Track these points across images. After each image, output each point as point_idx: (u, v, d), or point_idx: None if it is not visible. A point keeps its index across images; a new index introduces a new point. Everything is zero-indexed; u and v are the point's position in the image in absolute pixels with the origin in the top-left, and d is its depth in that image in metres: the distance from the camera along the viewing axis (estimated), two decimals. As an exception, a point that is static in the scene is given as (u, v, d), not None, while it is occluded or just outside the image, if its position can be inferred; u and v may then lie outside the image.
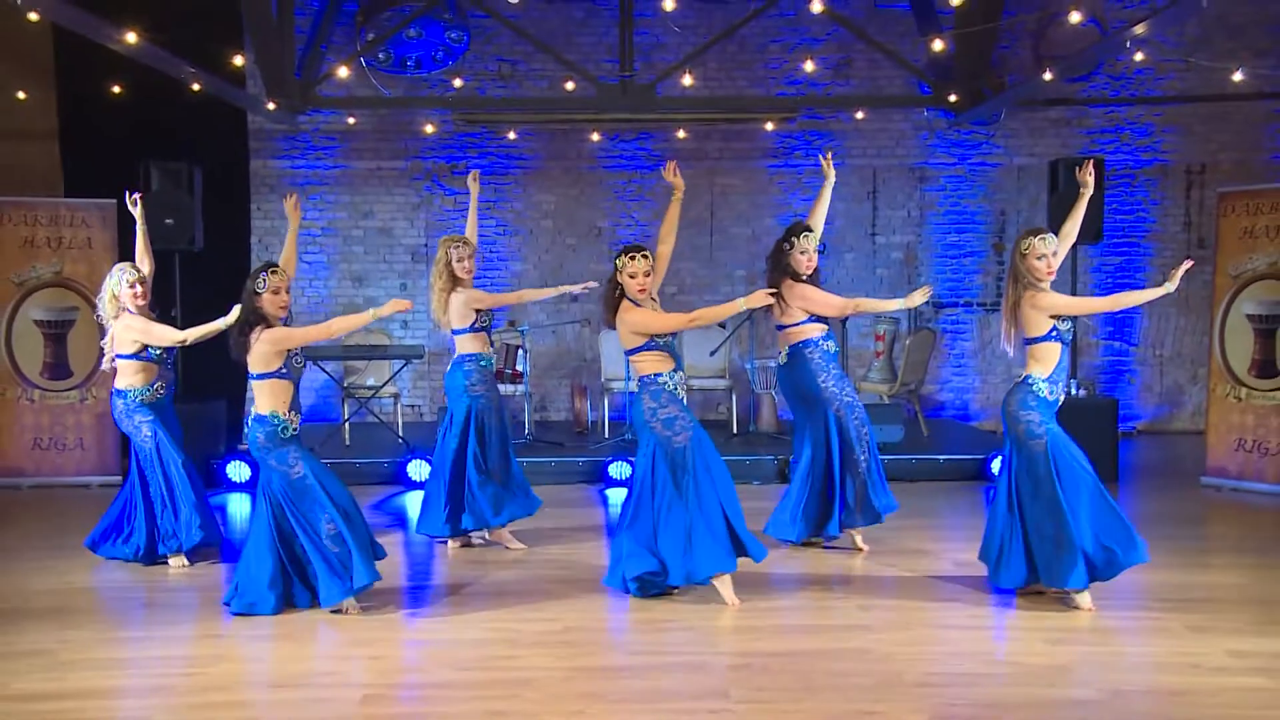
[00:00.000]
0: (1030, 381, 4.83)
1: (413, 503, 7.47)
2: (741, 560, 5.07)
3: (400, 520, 6.99)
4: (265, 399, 4.90)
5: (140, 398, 5.79)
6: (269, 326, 4.87)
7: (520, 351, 9.23)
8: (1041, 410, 4.81)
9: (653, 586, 5.00)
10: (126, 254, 6.77)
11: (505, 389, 9.14)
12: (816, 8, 7.80)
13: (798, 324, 5.75)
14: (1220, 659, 4.28)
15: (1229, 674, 4.14)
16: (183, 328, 5.88)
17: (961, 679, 4.10)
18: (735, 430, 9.29)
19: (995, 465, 7.95)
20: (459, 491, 5.98)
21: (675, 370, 5.00)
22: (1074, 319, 4.96)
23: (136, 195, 6.20)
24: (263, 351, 4.84)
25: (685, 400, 5.03)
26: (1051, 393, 4.83)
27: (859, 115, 10.30)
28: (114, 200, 8.30)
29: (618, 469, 7.90)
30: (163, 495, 5.80)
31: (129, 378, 5.80)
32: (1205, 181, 10.40)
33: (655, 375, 4.97)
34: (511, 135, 10.42)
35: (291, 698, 4.04)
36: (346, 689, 4.09)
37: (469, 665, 4.30)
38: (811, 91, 10.32)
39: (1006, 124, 10.49)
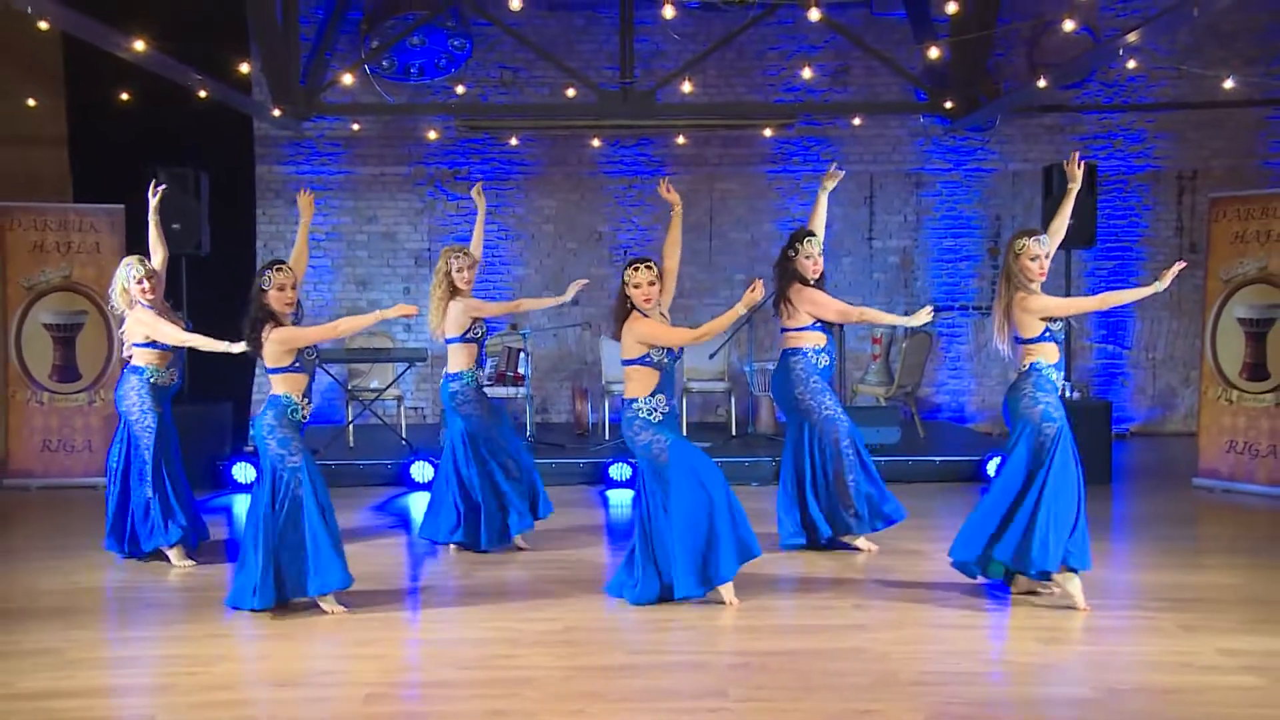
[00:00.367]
0: (1038, 367, 4.89)
1: (416, 503, 7.54)
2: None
3: (403, 521, 7.05)
4: (281, 387, 5.01)
5: (155, 378, 5.85)
6: (278, 324, 4.95)
7: (522, 354, 9.32)
8: (1054, 395, 4.88)
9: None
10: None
11: (507, 391, 9.26)
12: (814, 16, 7.84)
13: (799, 329, 5.83)
14: (1212, 658, 4.33)
15: (1221, 672, 4.18)
16: (189, 330, 5.93)
17: (957, 678, 4.14)
18: (734, 432, 9.39)
19: (991, 467, 8.05)
20: (462, 506, 6.05)
21: (654, 394, 4.98)
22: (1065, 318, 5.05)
23: (162, 187, 6.19)
24: (273, 350, 4.94)
25: (670, 419, 5.03)
26: (1058, 379, 4.92)
27: (856, 121, 10.42)
28: (122, 205, 8.43)
29: (618, 470, 7.99)
30: (150, 488, 5.82)
31: (145, 358, 5.87)
32: (1197, 187, 10.51)
33: (631, 401, 5.01)
34: (513, 141, 10.53)
35: (294, 696, 4.08)
36: (349, 688, 4.12)
37: (470, 664, 4.34)
38: (809, 98, 10.42)
39: (1001, 130, 10.61)
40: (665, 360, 4.99)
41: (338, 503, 5.25)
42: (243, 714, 3.93)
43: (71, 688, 4.14)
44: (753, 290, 4.72)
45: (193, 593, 5.47)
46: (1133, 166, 10.62)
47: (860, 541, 6.02)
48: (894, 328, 9.75)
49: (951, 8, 8.54)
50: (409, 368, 9.41)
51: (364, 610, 5.02)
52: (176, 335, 5.75)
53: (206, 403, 8.15)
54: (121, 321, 5.91)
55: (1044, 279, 4.91)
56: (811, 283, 5.82)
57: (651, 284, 4.98)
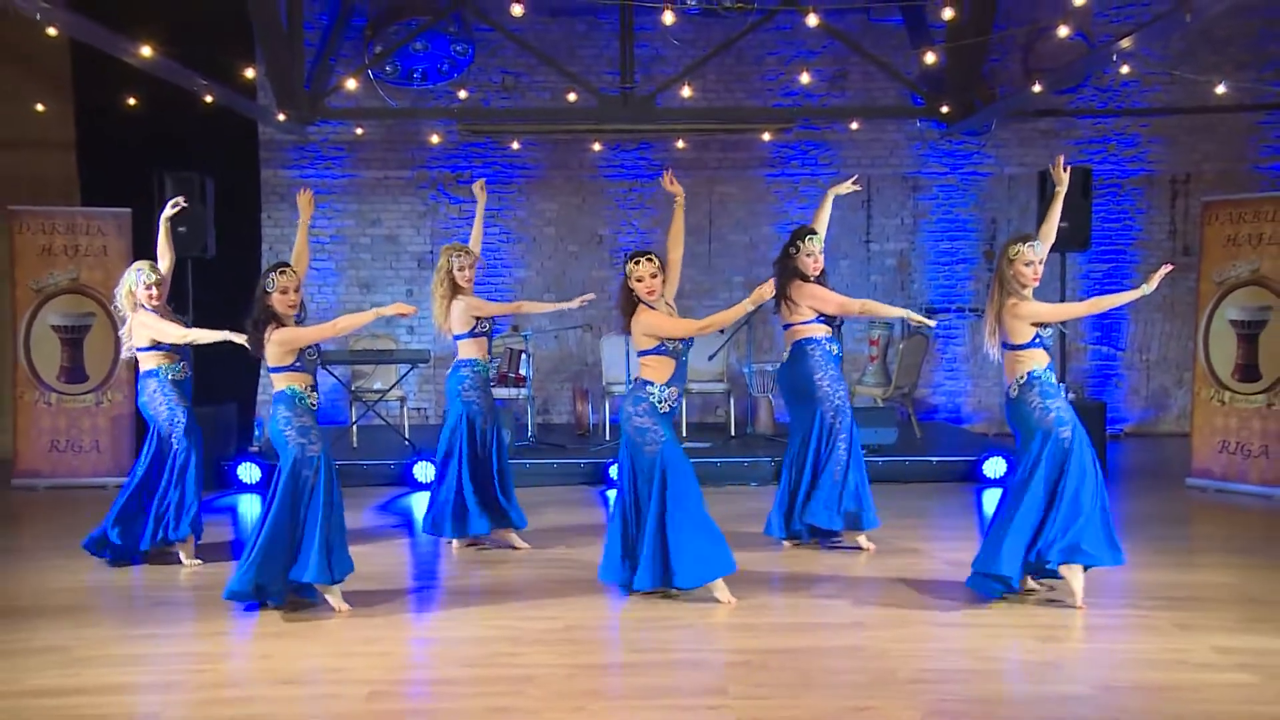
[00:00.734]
0: (1036, 375, 4.94)
1: (419, 503, 7.61)
2: (740, 560, 5.17)
3: (406, 521, 7.12)
4: (284, 383, 5.04)
5: (173, 374, 5.91)
6: (281, 324, 5.01)
7: (523, 356, 9.40)
8: (1060, 397, 4.95)
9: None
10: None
11: (508, 392, 9.34)
12: (812, 22, 7.91)
13: (804, 323, 5.91)
14: (1206, 655, 4.36)
15: (1215, 670, 4.21)
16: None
17: (954, 675, 4.17)
18: (733, 433, 9.47)
19: (987, 467, 8.14)
20: (460, 496, 6.09)
21: (668, 384, 5.04)
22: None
23: (180, 199, 6.27)
24: (274, 351, 4.99)
25: (670, 415, 5.08)
26: (1058, 382, 4.97)
27: (854, 126, 10.51)
28: (129, 209, 8.52)
29: (618, 471, 8.04)
30: (167, 486, 5.89)
31: (155, 360, 5.93)
32: (1190, 191, 10.60)
33: (645, 383, 5.05)
34: (515, 145, 10.62)
35: (300, 694, 4.12)
36: (353, 685, 4.14)
37: (473, 662, 4.37)
38: (807, 103, 10.48)
39: (997, 134, 10.70)
40: (680, 348, 5.05)
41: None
42: (249, 711, 3.96)
43: (79, 685, 4.18)
44: (763, 287, 4.85)
45: (199, 591, 5.51)
46: (1126, 170, 10.72)
47: (861, 539, 6.08)
48: (891, 329, 9.84)
49: (948, 14, 8.63)
50: (412, 369, 9.49)
51: (367, 609, 5.06)
52: (178, 332, 5.85)
53: (211, 404, 8.21)
54: (123, 323, 5.96)
55: (1037, 284, 4.97)
56: (812, 280, 5.90)
57: (654, 276, 5.03)
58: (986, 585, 5.01)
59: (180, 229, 7.88)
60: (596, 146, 10.58)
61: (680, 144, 10.56)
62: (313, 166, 10.64)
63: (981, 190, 10.81)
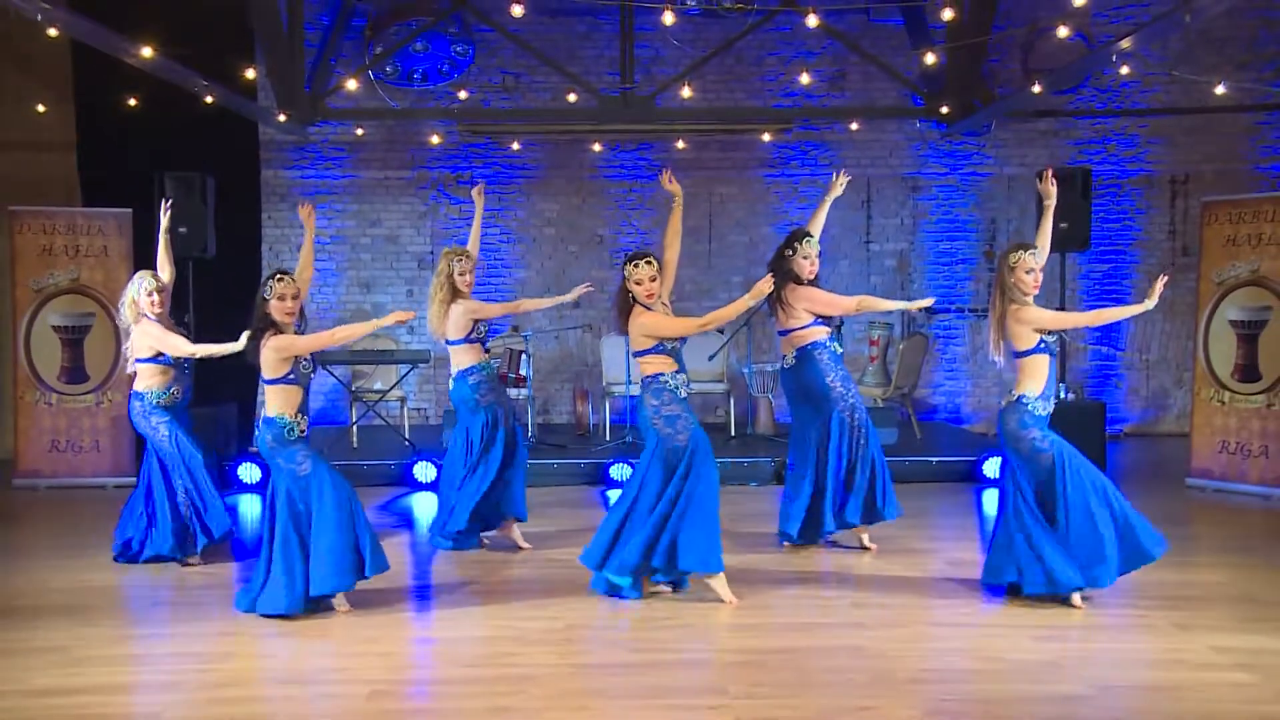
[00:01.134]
0: (1024, 401, 4.94)
1: (419, 503, 7.64)
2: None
3: (406, 521, 7.12)
4: (274, 402, 5.00)
5: (158, 400, 5.92)
6: (279, 332, 4.98)
7: (524, 356, 9.41)
8: (1039, 426, 4.95)
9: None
10: (142, 262, 6.90)
11: (509, 392, 9.36)
12: (812, 22, 7.91)
13: (804, 327, 5.88)
14: (1204, 655, 4.37)
15: (1213, 669, 4.22)
16: (196, 332, 6.03)
17: (953, 675, 4.18)
18: (733, 433, 9.48)
19: (987, 467, 8.15)
20: (487, 499, 6.10)
21: (678, 372, 5.09)
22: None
23: (169, 201, 6.34)
24: (269, 358, 4.95)
25: (686, 399, 5.10)
26: (1044, 409, 4.95)
27: (853, 126, 10.52)
28: (129, 209, 8.53)
29: (619, 471, 8.07)
30: (188, 491, 5.93)
31: (147, 380, 5.94)
32: (1189, 191, 10.61)
33: (657, 375, 5.06)
34: (515, 145, 10.63)
35: (301, 694, 4.13)
36: (355, 685, 4.14)
37: (474, 662, 4.38)
38: (807, 103, 10.49)
39: (997, 135, 10.71)
40: (677, 345, 5.08)
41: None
42: (251, 711, 3.98)
43: (80, 685, 4.18)
44: (763, 283, 4.85)
45: (201, 591, 5.51)
46: (1126, 171, 10.74)
47: (864, 537, 6.09)
48: (891, 329, 9.86)
49: (948, 14, 8.65)
50: (412, 369, 9.50)
51: (369, 609, 5.06)
52: (183, 346, 5.84)
53: (212, 404, 8.22)
54: (127, 335, 5.98)
55: (1038, 291, 4.98)
56: (806, 283, 5.90)
57: (653, 279, 5.05)
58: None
59: (181, 229, 7.94)
60: (596, 147, 10.60)
61: (680, 144, 10.58)
62: (313, 167, 10.65)
63: (981, 191, 10.83)
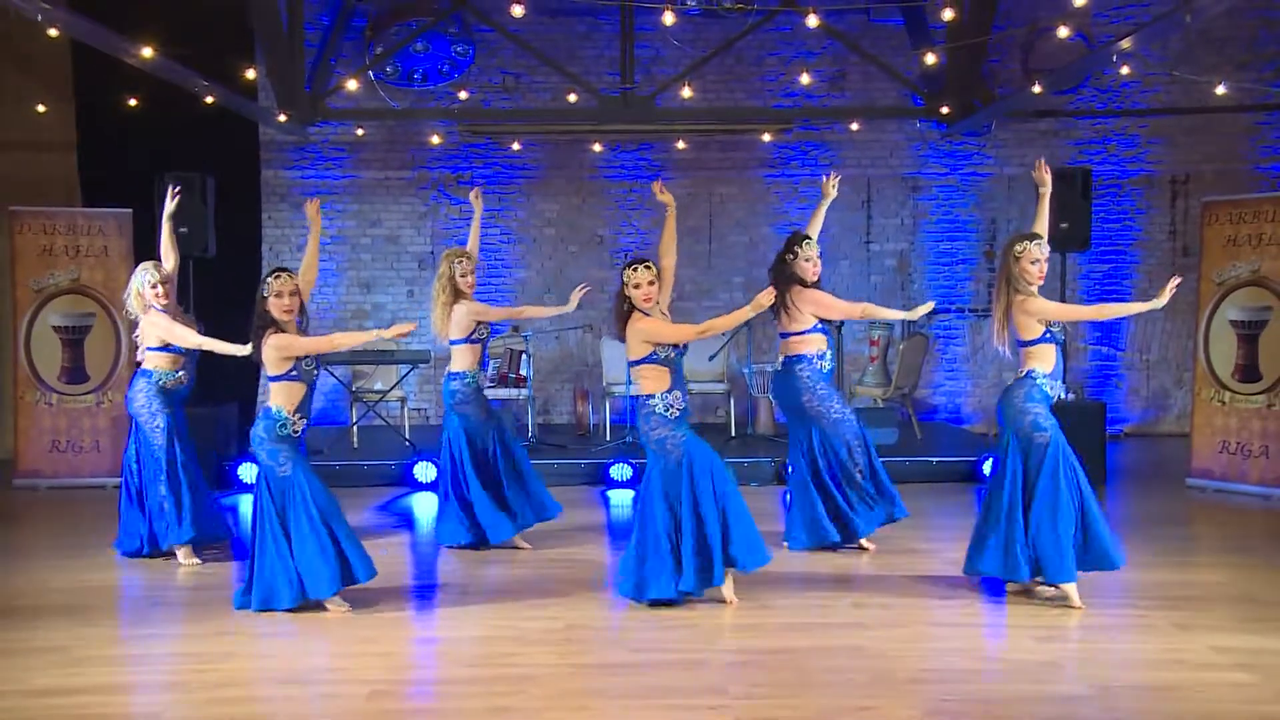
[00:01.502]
0: (1033, 375, 4.96)
1: (419, 503, 7.64)
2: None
3: (406, 521, 7.13)
4: (276, 397, 5.06)
5: (164, 381, 5.97)
6: (279, 330, 5.01)
7: (524, 356, 9.43)
8: (1046, 405, 4.97)
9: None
10: (142, 261, 6.94)
11: (509, 392, 9.37)
12: (812, 22, 7.92)
13: (801, 333, 5.90)
14: (1205, 655, 4.38)
15: (1213, 669, 4.24)
16: (201, 333, 6.04)
17: (953, 675, 4.19)
18: (733, 433, 9.48)
19: (987, 467, 8.13)
20: (465, 505, 6.14)
21: (669, 390, 5.03)
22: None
23: (177, 188, 6.32)
24: (270, 355, 4.99)
25: (683, 418, 5.08)
26: (1052, 389, 4.98)
27: (853, 126, 10.52)
28: (130, 209, 8.53)
29: (619, 471, 8.08)
30: (164, 486, 5.93)
31: (155, 361, 5.99)
32: (1189, 191, 10.62)
33: (647, 398, 5.05)
34: (515, 146, 10.63)
35: (301, 694, 4.14)
36: (354, 685, 4.16)
37: (474, 662, 4.40)
38: (807, 103, 10.49)
39: (997, 135, 10.71)
40: (673, 355, 5.05)
41: (342, 503, 5.28)
42: (250, 711, 3.99)
43: (80, 685, 4.19)
44: (763, 295, 4.87)
45: (200, 591, 5.53)
46: (1126, 171, 10.74)
47: (863, 539, 6.10)
48: (891, 329, 9.86)
49: (948, 14, 8.66)
50: (412, 369, 9.51)
51: (368, 609, 5.07)
52: (191, 338, 5.86)
53: (212, 404, 8.23)
54: (135, 326, 6.02)
55: (1042, 282, 5.00)
56: (809, 284, 5.92)
57: (651, 284, 5.05)
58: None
59: (181, 229, 7.94)
60: (597, 147, 10.60)
61: (680, 144, 10.58)
62: (313, 167, 10.66)
63: (981, 191, 10.83)
